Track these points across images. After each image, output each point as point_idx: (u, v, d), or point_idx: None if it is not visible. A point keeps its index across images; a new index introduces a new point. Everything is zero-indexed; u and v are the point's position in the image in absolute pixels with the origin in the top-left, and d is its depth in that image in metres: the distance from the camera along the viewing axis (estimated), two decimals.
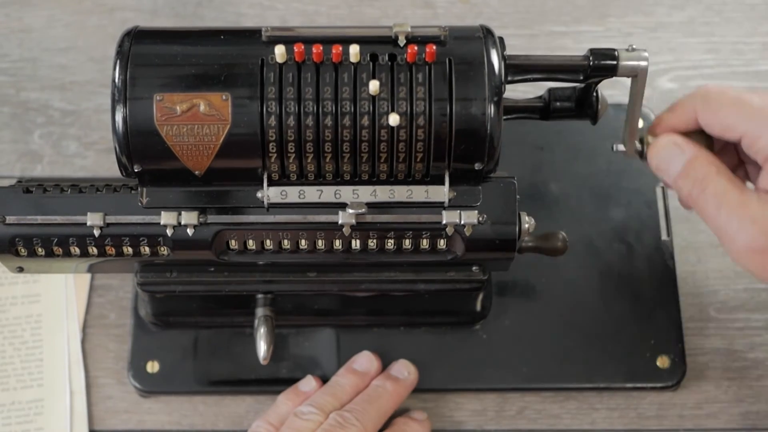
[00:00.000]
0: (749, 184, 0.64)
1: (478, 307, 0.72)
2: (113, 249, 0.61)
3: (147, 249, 0.61)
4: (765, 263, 0.59)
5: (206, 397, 0.73)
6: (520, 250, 0.63)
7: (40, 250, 0.61)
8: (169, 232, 0.60)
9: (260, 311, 0.68)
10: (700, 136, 0.63)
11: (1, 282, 0.76)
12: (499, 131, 0.58)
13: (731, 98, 0.61)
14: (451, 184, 0.60)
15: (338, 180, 0.60)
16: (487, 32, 0.59)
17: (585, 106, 0.65)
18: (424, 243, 0.62)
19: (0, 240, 0.61)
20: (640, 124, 0.65)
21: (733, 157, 0.65)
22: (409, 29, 0.58)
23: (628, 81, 0.61)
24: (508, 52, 0.60)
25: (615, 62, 0.61)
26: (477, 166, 0.59)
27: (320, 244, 0.62)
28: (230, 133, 0.57)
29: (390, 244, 0.62)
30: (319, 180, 0.60)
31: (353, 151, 0.58)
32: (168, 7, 0.85)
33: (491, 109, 0.57)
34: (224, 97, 0.57)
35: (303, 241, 0.61)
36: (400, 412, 0.71)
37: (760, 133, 0.60)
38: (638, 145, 0.64)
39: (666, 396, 0.73)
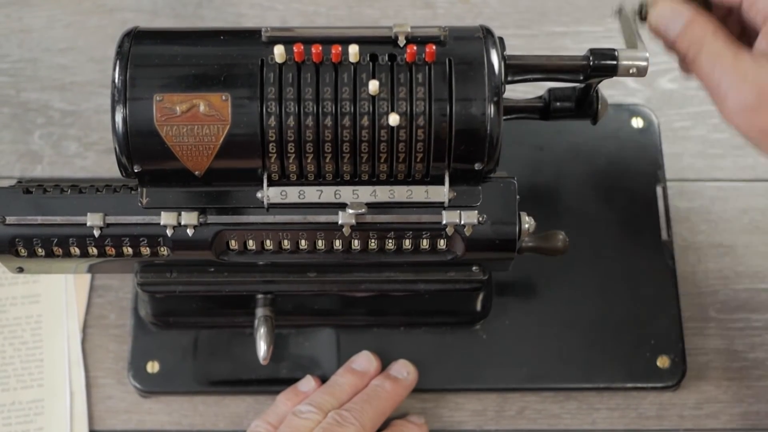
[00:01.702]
0: None
1: (478, 307, 0.72)
2: (113, 249, 0.61)
3: (147, 249, 0.61)
4: (753, 122, 0.59)
5: (206, 397, 0.73)
6: (520, 250, 0.63)
7: (40, 250, 0.61)
8: (169, 232, 0.60)
9: (260, 311, 0.68)
10: (700, 1, 0.63)
11: (1, 282, 0.76)
12: (499, 131, 0.58)
13: None
14: (451, 184, 0.60)
15: (338, 180, 0.60)
16: (487, 32, 0.59)
17: (585, 106, 0.65)
18: (424, 243, 0.61)
19: (0, 240, 0.61)
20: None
21: (735, 26, 0.64)
22: (409, 29, 0.58)
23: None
24: (508, 52, 0.60)
25: (615, 62, 0.61)
26: (477, 166, 0.59)
27: (320, 244, 0.62)
28: (230, 133, 0.57)
29: (390, 244, 0.61)
30: (319, 180, 0.60)
31: (353, 151, 0.58)
32: (168, 8, 0.85)
33: (491, 109, 0.57)
34: (224, 98, 0.57)
35: (303, 241, 0.61)
36: (400, 415, 0.71)
37: None
38: (637, 9, 0.63)
39: (666, 396, 0.73)
